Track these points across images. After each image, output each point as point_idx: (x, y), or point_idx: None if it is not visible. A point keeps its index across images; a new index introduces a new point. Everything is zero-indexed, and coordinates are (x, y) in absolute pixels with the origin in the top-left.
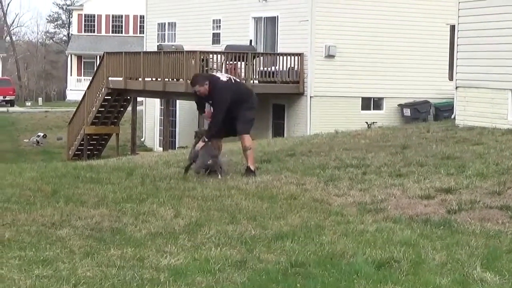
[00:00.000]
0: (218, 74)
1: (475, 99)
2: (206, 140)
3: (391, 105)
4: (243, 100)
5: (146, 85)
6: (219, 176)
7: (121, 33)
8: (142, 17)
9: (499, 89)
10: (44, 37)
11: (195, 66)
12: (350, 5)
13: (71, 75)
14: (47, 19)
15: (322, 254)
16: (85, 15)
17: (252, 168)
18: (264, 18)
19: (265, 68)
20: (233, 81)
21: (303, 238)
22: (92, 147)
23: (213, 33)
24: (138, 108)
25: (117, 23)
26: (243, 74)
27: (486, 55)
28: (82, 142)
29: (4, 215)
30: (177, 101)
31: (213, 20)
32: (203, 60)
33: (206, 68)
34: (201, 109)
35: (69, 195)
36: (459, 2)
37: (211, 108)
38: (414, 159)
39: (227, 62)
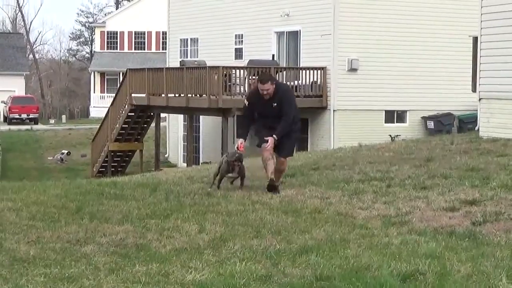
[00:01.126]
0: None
1: (498, 111)
2: (276, 138)
3: (414, 118)
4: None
5: (169, 101)
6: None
7: (144, 49)
8: (164, 33)
9: None
10: (67, 54)
11: (217, 81)
12: (373, 18)
13: (94, 92)
14: (69, 36)
15: (347, 268)
16: (107, 32)
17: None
18: (286, 32)
19: (288, 82)
20: None
21: (328, 251)
22: (116, 164)
23: (235, 48)
24: (162, 124)
25: (139, 40)
26: None
27: (509, 67)
28: (106, 159)
29: (29, 232)
30: (201, 116)
31: (236, 35)
32: (225, 75)
33: (229, 84)
34: (247, 116)
35: (94, 212)
36: (481, 14)
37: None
38: (438, 171)
39: (250, 77)
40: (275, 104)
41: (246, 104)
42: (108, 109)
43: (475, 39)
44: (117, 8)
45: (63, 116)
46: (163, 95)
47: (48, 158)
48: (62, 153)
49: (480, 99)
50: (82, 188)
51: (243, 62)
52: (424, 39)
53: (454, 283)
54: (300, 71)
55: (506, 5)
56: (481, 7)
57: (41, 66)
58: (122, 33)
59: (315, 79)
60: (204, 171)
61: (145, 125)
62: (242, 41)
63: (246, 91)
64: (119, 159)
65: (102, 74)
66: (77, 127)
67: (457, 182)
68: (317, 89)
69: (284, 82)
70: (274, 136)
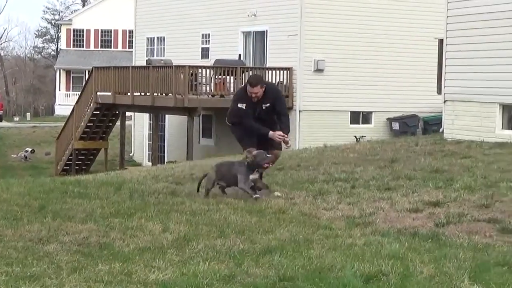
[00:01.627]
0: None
1: (463, 113)
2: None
3: (379, 119)
4: None
5: (135, 100)
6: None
7: (110, 47)
8: (131, 31)
9: (487, 102)
10: (33, 52)
11: (184, 80)
12: (340, 20)
13: (59, 90)
14: (35, 33)
15: (310, 268)
16: (73, 29)
17: None
18: (253, 32)
19: None
20: None
21: (291, 252)
22: (80, 162)
23: (202, 48)
24: (127, 123)
25: (105, 38)
26: (232, 89)
27: (474, 69)
28: (70, 157)
29: None
30: (166, 115)
31: (202, 35)
32: (192, 74)
33: (195, 83)
34: (242, 116)
35: (57, 210)
36: (447, 17)
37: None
38: (403, 172)
39: (216, 77)
40: (267, 105)
41: (244, 107)
42: (73, 107)
43: (441, 42)
44: (83, 5)
45: (28, 114)
46: (128, 93)
47: (12, 155)
48: (26, 151)
49: (445, 101)
50: (46, 186)
51: (209, 62)
52: (390, 41)
53: (417, 284)
54: (267, 71)
55: (471, 8)
56: (447, 9)
57: (6, 63)
58: (88, 31)
59: (281, 80)
60: (169, 170)
61: (110, 124)
62: (208, 40)
63: (212, 91)
64: (83, 157)
65: (68, 72)
66: (41, 124)
67: (421, 184)
68: (283, 90)
69: None
70: (283, 134)
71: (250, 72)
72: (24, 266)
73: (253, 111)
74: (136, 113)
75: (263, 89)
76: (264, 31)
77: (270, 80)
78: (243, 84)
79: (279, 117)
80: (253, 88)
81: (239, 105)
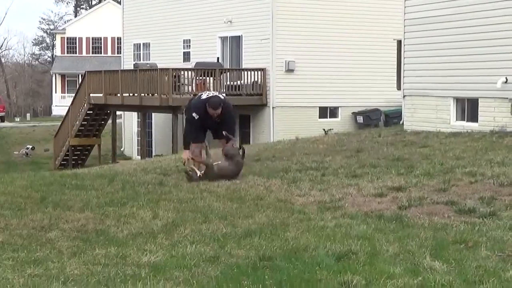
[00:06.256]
0: (206, 93)
1: (421, 106)
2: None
3: (345, 113)
4: None
5: (124, 100)
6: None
7: (101, 53)
8: (119, 38)
9: (442, 97)
10: (30, 58)
11: (168, 82)
12: (308, 24)
13: (55, 92)
14: (32, 42)
15: (287, 249)
16: (67, 38)
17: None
18: (229, 37)
19: (231, 82)
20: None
21: (269, 234)
22: (76, 157)
23: (183, 52)
24: (118, 121)
25: (96, 45)
26: (211, 88)
27: (430, 67)
28: (67, 153)
29: None
30: (153, 114)
31: (184, 40)
32: (175, 76)
33: (178, 84)
34: (196, 126)
35: (57, 201)
36: (404, 20)
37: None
38: (368, 161)
39: (197, 78)
40: (219, 120)
41: (196, 118)
42: (69, 108)
43: (399, 42)
44: (75, 16)
45: (28, 114)
46: (118, 94)
47: (14, 152)
48: (27, 148)
49: (404, 96)
50: (46, 179)
51: (190, 64)
52: (353, 42)
53: (383, 261)
54: (242, 72)
55: (426, 12)
56: (404, 13)
57: (6, 69)
58: (80, 38)
59: (255, 79)
60: (157, 163)
61: (103, 122)
62: (189, 45)
63: (194, 90)
64: (79, 153)
65: (63, 76)
66: (40, 124)
67: (384, 171)
68: (257, 88)
69: (228, 82)
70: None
71: (228, 73)
72: (28, 251)
73: (209, 122)
74: (125, 112)
75: (221, 109)
76: (240, 36)
77: (245, 80)
78: (202, 98)
79: (225, 124)
80: (216, 110)
81: (194, 115)
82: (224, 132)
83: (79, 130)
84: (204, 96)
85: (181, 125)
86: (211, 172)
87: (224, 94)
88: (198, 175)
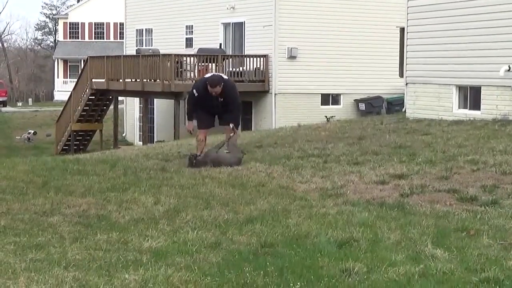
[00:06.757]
0: (213, 74)
1: (423, 94)
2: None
3: (347, 101)
4: None
5: (126, 86)
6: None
7: (103, 39)
8: (121, 24)
9: (445, 84)
10: (33, 43)
11: (170, 68)
12: (310, 10)
13: (58, 77)
14: (35, 27)
15: (288, 235)
16: (70, 23)
17: None
18: (232, 23)
19: (234, 69)
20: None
21: (271, 221)
22: (78, 142)
23: (186, 38)
24: (120, 106)
25: (99, 30)
26: None
27: (433, 54)
28: (69, 138)
29: None
30: (155, 99)
31: (186, 26)
32: (177, 62)
33: (180, 70)
34: (195, 104)
35: (59, 186)
36: (408, 7)
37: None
38: (370, 148)
39: (199, 64)
40: (222, 99)
41: (195, 95)
42: (71, 93)
43: (402, 30)
44: (78, 1)
45: (30, 99)
46: (120, 80)
47: (16, 137)
48: (29, 133)
49: (406, 84)
50: (48, 164)
51: (193, 50)
52: (356, 29)
53: (385, 248)
54: (245, 58)
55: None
56: (407, 1)
57: (9, 54)
58: (83, 24)
59: (258, 66)
60: (158, 149)
61: (105, 107)
62: (192, 31)
63: (196, 77)
64: (81, 138)
65: (65, 61)
66: (42, 109)
67: (386, 158)
68: (260, 75)
69: (230, 68)
70: (232, 125)
71: (230, 59)
72: (30, 236)
73: (212, 102)
74: (127, 98)
75: (221, 87)
76: (242, 22)
77: (247, 67)
78: (204, 77)
79: (230, 110)
80: (214, 88)
81: (194, 91)
82: (231, 125)
83: (81, 116)
84: (207, 75)
85: (183, 111)
86: (211, 156)
87: (227, 76)
88: (198, 154)
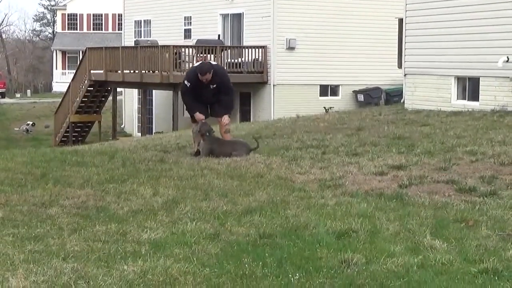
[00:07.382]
0: (201, 62)
1: (422, 85)
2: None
3: (346, 92)
4: None
5: (125, 77)
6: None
7: (101, 30)
8: (120, 15)
9: (443, 75)
10: (31, 34)
11: (168, 59)
12: (309, 2)
13: (56, 69)
14: (33, 18)
15: (287, 226)
16: (68, 14)
17: None
18: (230, 14)
19: (232, 60)
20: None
21: (270, 212)
22: (76, 134)
23: (184, 29)
24: (118, 97)
25: (97, 21)
26: None
27: (431, 45)
28: (67, 129)
29: None
30: (153, 91)
31: (185, 17)
32: (176, 53)
33: (179, 61)
34: (190, 93)
35: (57, 177)
36: None
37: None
38: (368, 139)
39: (198, 55)
40: (214, 86)
41: (188, 85)
42: (69, 84)
43: (401, 21)
44: None
45: (28, 91)
46: (119, 71)
47: (15, 129)
48: (28, 124)
49: (405, 75)
50: (46, 156)
51: (191, 42)
52: (355, 20)
53: (383, 239)
54: (243, 49)
55: None
56: None
57: (7, 45)
58: (81, 15)
59: (256, 57)
60: (157, 140)
61: (103, 99)
62: (190, 22)
63: None
64: (79, 129)
65: (64, 53)
66: (41, 100)
67: (385, 149)
68: (258, 66)
69: (229, 59)
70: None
71: (229, 50)
72: (29, 227)
73: (204, 90)
74: (126, 89)
75: (211, 74)
76: (241, 14)
77: (246, 58)
78: (194, 66)
79: (221, 97)
80: (203, 76)
81: (186, 82)
82: (223, 118)
83: (79, 107)
84: (196, 64)
85: (181, 103)
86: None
87: (215, 62)
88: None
